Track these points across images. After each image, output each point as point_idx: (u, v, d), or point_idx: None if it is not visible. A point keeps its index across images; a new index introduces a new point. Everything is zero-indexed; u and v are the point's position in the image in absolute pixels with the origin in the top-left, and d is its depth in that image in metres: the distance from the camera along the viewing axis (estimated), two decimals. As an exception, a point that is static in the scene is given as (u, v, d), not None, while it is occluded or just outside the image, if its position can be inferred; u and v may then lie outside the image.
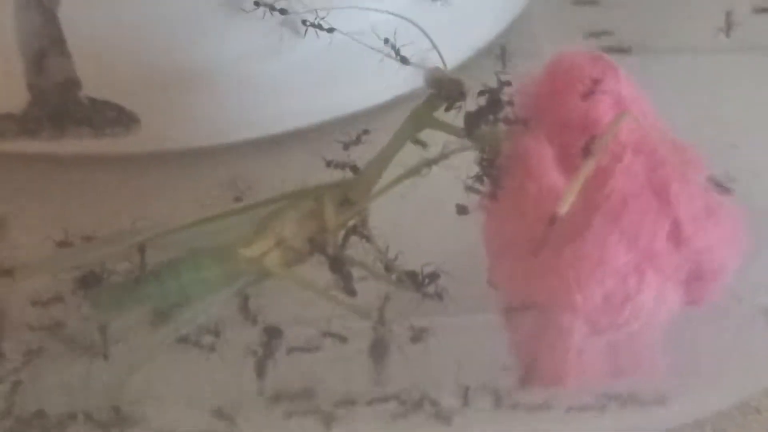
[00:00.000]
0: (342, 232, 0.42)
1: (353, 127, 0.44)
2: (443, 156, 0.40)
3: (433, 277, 0.41)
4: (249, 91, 0.49)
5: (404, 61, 0.42)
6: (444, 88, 0.39)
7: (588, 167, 0.37)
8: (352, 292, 0.41)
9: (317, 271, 0.41)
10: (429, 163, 0.40)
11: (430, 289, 0.41)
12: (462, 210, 0.40)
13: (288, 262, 0.42)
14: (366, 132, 0.43)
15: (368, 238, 0.42)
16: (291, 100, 0.49)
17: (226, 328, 0.41)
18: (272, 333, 0.40)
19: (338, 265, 0.42)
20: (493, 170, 0.39)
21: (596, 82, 0.38)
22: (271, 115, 0.50)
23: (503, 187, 0.39)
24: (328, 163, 0.43)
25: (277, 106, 0.49)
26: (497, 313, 0.39)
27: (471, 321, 0.40)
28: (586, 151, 0.37)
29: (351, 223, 0.42)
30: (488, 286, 0.39)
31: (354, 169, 0.43)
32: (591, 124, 0.39)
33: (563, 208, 0.36)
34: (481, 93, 0.39)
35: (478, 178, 0.39)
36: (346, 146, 0.43)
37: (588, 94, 0.38)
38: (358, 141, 0.43)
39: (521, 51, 0.44)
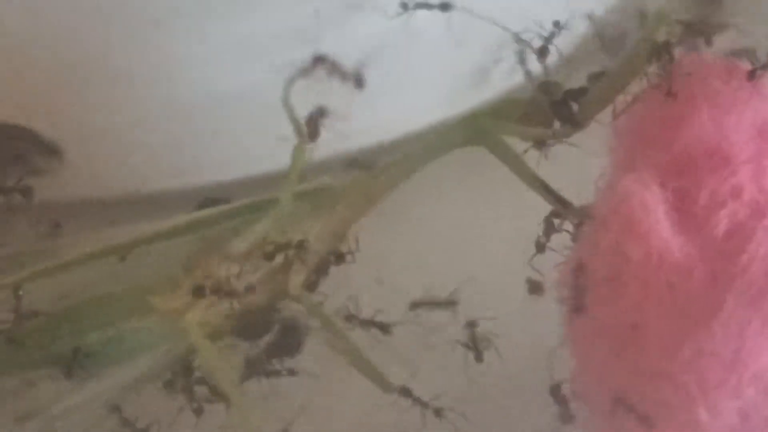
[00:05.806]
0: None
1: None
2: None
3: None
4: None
5: None
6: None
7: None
8: None
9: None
10: None
11: None
12: (536, 287, 0.35)
13: (221, 325, 0.30)
14: None
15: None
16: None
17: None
18: None
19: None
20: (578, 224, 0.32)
21: (733, 101, 0.32)
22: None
23: (592, 254, 0.32)
24: None
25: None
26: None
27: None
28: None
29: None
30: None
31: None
32: (722, 160, 0.32)
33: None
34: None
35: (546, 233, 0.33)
36: None
37: (720, 118, 0.32)
38: None
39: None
